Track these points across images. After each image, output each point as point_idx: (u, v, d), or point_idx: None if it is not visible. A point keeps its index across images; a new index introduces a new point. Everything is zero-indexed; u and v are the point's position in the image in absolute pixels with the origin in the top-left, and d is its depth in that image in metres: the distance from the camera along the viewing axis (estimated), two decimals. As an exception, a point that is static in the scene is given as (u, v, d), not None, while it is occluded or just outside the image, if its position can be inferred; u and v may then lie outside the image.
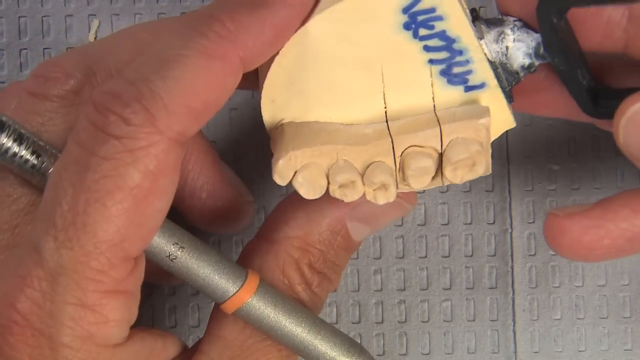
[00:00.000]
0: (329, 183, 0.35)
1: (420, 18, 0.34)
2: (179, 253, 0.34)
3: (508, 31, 0.36)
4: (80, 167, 0.31)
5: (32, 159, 0.33)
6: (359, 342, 0.46)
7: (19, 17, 0.46)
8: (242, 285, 0.35)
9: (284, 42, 0.33)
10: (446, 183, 0.36)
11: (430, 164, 0.35)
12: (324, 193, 0.35)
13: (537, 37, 0.36)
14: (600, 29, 0.37)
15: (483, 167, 0.35)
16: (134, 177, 0.30)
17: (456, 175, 0.35)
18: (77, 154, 0.31)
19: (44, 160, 0.33)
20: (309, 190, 0.35)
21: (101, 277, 0.31)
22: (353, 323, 0.47)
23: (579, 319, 0.47)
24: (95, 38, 0.46)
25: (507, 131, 0.43)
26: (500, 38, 0.36)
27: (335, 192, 0.35)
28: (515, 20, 0.36)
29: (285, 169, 0.34)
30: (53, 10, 0.46)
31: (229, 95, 0.32)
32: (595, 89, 0.37)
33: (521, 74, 0.36)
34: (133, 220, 0.31)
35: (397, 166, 0.35)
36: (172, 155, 0.31)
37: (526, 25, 0.36)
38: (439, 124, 0.35)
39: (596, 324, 0.46)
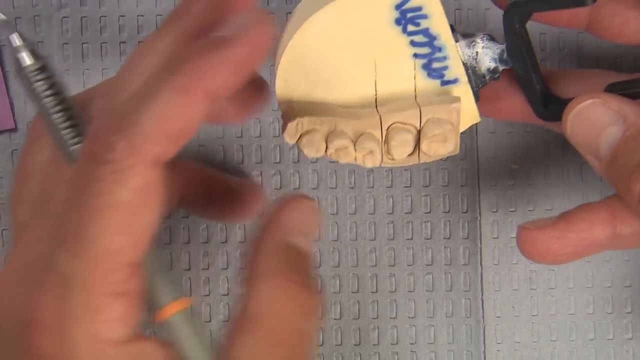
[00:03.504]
0: (327, 148, 0.38)
1: (409, 15, 0.37)
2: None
3: (478, 40, 0.39)
4: (79, 191, 0.33)
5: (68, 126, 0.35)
6: (357, 308, 0.50)
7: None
8: (175, 300, 0.35)
9: (247, 72, 0.34)
10: (422, 159, 0.38)
11: (410, 138, 0.37)
12: None
13: (501, 46, 0.39)
14: (568, 10, 0.39)
15: (452, 143, 0.38)
16: (122, 194, 0.32)
17: (430, 147, 0.38)
18: (76, 181, 0.33)
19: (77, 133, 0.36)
20: (310, 150, 0.37)
21: (104, 280, 0.32)
22: (352, 292, 0.50)
23: (532, 289, 0.50)
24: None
25: (477, 138, 0.47)
26: (472, 45, 0.39)
27: (332, 155, 0.38)
28: (484, 34, 0.39)
29: (293, 131, 0.37)
30: (109, 37, 0.50)
31: (199, 121, 0.33)
32: (546, 95, 0.40)
33: (487, 77, 0.39)
34: (127, 231, 0.32)
35: (383, 139, 0.38)
36: (153, 173, 0.33)
37: (493, 39, 0.39)
38: (419, 107, 0.37)
39: (546, 294, 0.50)
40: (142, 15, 0.50)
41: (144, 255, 0.34)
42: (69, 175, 0.34)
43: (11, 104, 0.50)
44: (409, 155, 0.39)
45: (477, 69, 0.39)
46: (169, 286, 0.36)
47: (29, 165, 0.39)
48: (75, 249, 0.32)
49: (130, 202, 0.32)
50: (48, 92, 0.35)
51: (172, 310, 0.35)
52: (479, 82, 0.39)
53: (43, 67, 0.35)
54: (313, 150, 0.38)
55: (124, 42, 0.50)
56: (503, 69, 0.39)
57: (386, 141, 0.38)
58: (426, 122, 0.38)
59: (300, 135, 0.38)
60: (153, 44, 0.37)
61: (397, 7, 0.37)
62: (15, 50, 0.35)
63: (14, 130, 0.50)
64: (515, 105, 0.41)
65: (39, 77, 0.35)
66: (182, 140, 0.33)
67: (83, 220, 0.32)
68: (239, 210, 0.47)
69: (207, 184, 0.46)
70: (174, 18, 0.37)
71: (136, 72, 0.36)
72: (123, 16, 0.50)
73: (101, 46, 0.50)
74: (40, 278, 0.33)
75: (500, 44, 0.39)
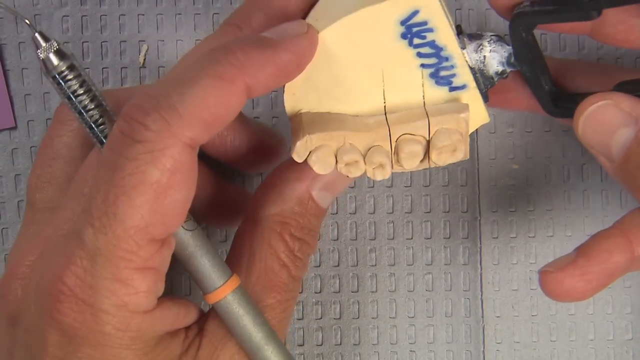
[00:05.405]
0: (337, 162, 0.38)
1: (414, 29, 0.37)
2: (196, 231, 0.37)
3: (485, 43, 0.39)
4: (110, 168, 0.33)
5: (98, 118, 0.36)
6: (357, 308, 0.50)
7: (82, 42, 0.50)
8: (226, 282, 0.37)
9: (284, 79, 0.36)
10: (432, 165, 0.39)
11: (419, 149, 0.38)
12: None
13: (509, 48, 0.39)
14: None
15: (462, 152, 0.38)
16: (153, 174, 0.33)
17: (440, 158, 0.38)
18: (108, 157, 0.34)
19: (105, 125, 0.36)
20: (321, 166, 0.38)
21: (131, 256, 0.34)
22: (352, 292, 0.50)
23: (532, 289, 0.51)
24: (144, 60, 0.50)
25: (477, 138, 0.47)
26: (479, 49, 0.39)
27: (342, 169, 0.38)
28: (491, 35, 0.39)
29: (302, 149, 0.37)
30: (110, 36, 0.50)
31: (235, 112, 0.34)
32: (556, 92, 0.40)
33: (495, 79, 0.39)
34: (155, 209, 0.33)
35: (393, 150, 0.38)
36: (186, 156, 0.33)
37: (501, 39, 0.39)
38: (428, 117, 0.38)
39: (546, 294, 0.51)
40: (143, 14, 0.50)
41: (174, 233, 0.35)
42: (99, 156, 0.35)
43: (11, 103, 0.50)
44: (420, 161, 0.39)
45: (485, 71, 0.39)
46: (218, 269, 0.37)
47: (56, 147, 0.40)
48: (104, 225, 0.33)
49: (161, 182, 0.33)
50: (79, 92, 0.36)
51: (224, 293, 0.37)
52: (487, 83, 0.39)
53: (71, 66, 0.35)
54: (323, 167, 0.38)
55: (125, 41, 0.50)
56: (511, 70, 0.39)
57: (396, 152, 0.38)
58: (435, 132, 0.38)
59: (309, 153, 0.38)
60: (207, 44, 0.38)
61: (403, 22, 0.37)
62: (41, 52, 0.35)
63: (14, 128, 0.50)
64: (524, 96, 0.42)
65: (67, 77, 0.35)
66: (216, 129, 0.34)
67: (112, 197, 0.33)
68: (233, 216, 0.47)
69: (214, 188, 0.46)
70: (232, 24, 0.39)
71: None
72: (123, 15, 0.50)
73: (101, 45, 0.50)
74: (67, 252, 0.34)
75: (508, 45, 0.39)
